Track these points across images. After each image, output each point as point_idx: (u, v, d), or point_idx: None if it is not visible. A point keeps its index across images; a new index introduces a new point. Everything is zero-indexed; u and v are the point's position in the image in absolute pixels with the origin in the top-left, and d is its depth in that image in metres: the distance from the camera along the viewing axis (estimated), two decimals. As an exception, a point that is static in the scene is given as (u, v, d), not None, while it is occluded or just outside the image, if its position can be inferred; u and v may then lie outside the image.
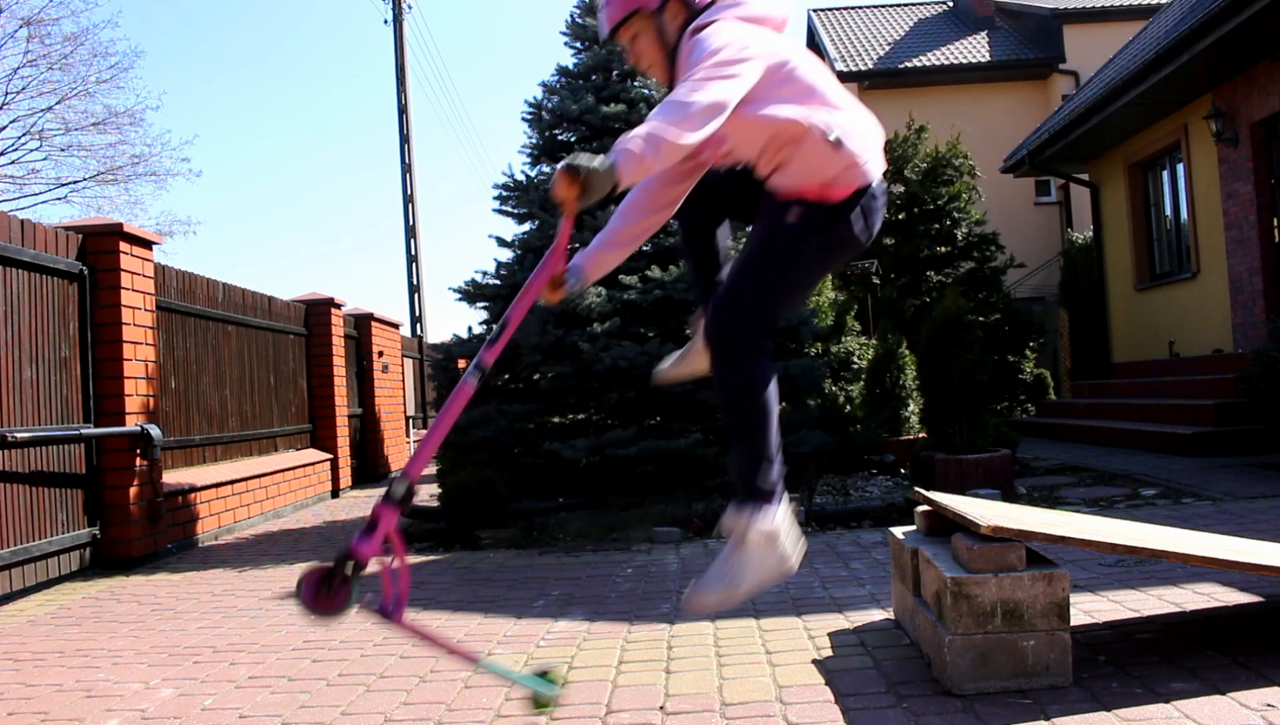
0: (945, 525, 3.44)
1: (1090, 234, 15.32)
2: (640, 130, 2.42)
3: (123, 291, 6.48)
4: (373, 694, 3.31)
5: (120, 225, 6.58)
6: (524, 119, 8.76)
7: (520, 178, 8.66)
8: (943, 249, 14.93)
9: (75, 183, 24.72)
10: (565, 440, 7.50)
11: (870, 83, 19.52)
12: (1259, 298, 10.43)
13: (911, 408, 9.56)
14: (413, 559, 6.17)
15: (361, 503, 9.94)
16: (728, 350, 2.72)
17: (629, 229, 3.02)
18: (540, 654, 3.67)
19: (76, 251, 6.28)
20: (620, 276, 7.72)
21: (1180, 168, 12.35)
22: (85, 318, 6.30)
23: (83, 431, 6.03)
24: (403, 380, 14.49)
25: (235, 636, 4.29)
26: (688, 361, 3.09)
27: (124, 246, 6.55)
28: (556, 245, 2.72)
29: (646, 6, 2.82)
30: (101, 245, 6.46)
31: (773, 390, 2.73)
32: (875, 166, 2.79)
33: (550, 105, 8.65)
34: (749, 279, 2.77)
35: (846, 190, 2.74)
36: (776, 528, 2.68)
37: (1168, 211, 13.03)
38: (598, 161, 2.37)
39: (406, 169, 19.97)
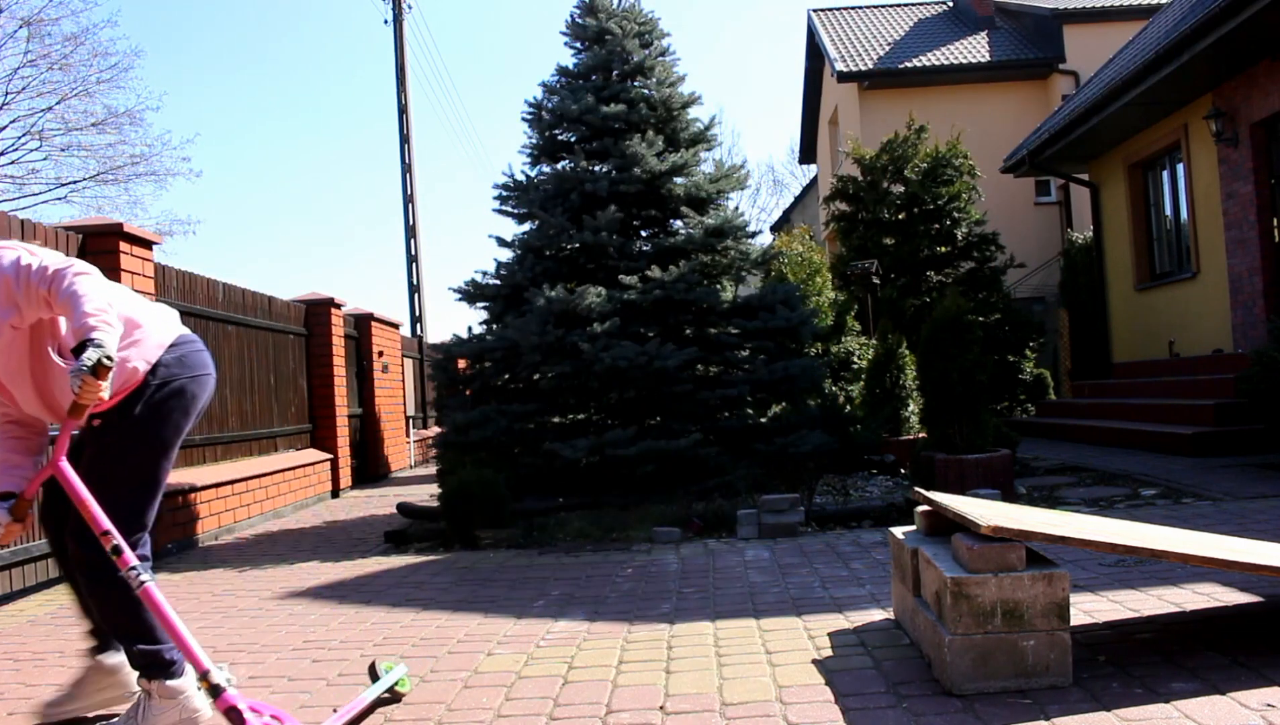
0: (945, 525, 3.44)
1: (1090, 234, 15.32)
2: (94, 317, 2.63)
3: (123, 291, 6.47)
4: (373, 694, 3.30)
5: (120, 225, 6.58)
6: (524, 119, 8.78)
7: (520, 178, 8.67)
8: (943, 249, 14.93)
9: (75, 183, 24.74)
10: (565, 440, 7.49)
11: (870, 83, 19.51)
12: (1259, 298, 10.43)
13: (912, 408, 9.56)
14: (413, 559, 6.17)
15: (362, 503, 9.94)
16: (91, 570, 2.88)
17: (20, 427, 3.06)
18: (540, 654, 3.67)
19: (76, 251, 6.28)
20: (620, 277, 7.73)
21: (1180, 168, 12.34)
22: (85, 318, 6.30)
23: (83, 431, 6.02)
24: (403, 380, 14.49)
25: (235, 636, 4.29)
26: (88, 691, 3.16)
27: (124, 246, 6.55)
28: (55, 458, 2.79)
29: None
30: (101, 245, 6.46)
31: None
32: (155, 348, 3.05)
33: (550, 105, 8.66)
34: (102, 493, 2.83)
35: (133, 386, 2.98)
36: (181, 688, 2.92)
37: (1168, 211, 13.03)
38: (102, 355, 2.57)
39: (406, 169, 19.96)
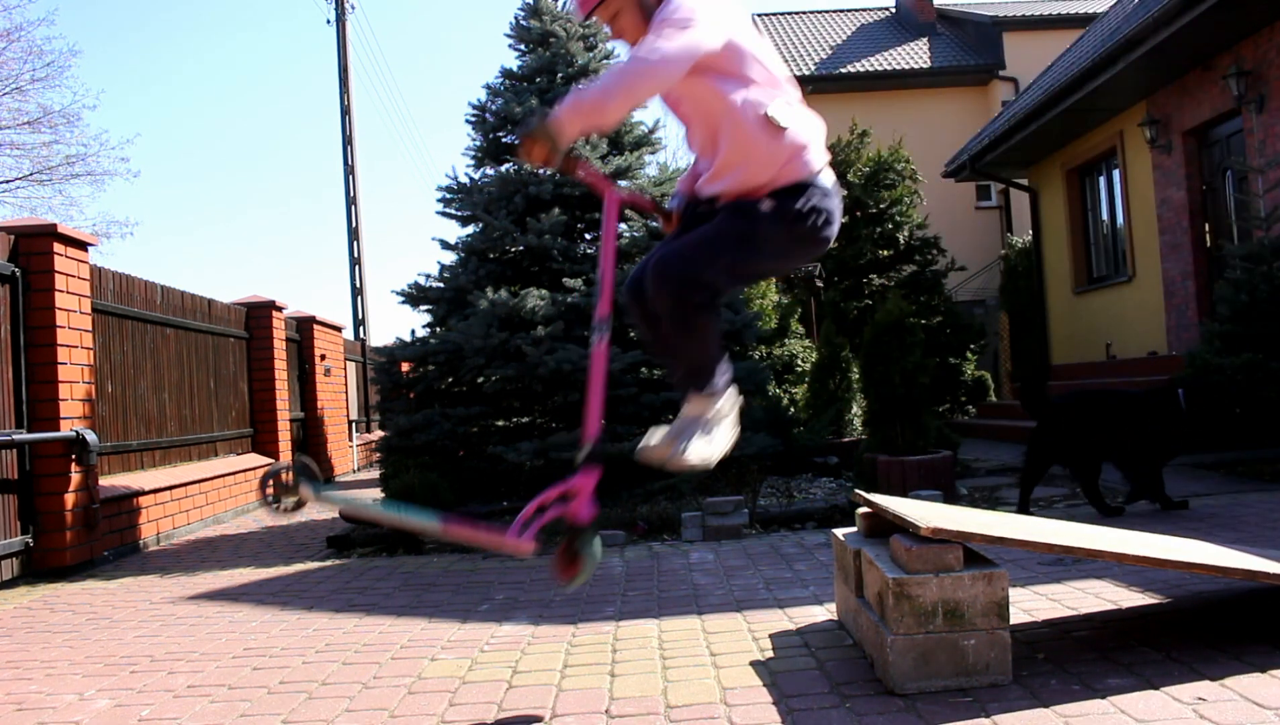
0: (886, 527, 3.47)
1: (1030, 238, 15.57)
2: (599, 79, 2.75)
3: (57, 294, 6.35)
4: (314, 701, 3.27)
5: (54, 226, 6.45)
6: (468, 121, 8.74)
7: (464, 180, 8.62)
8: (885, 252, 15.08)
9: (7, 182, 24.19)
10: (509, 443, 7.47)
11: (813, 87, 19.64)
12: (1191, 301, 10.66)
13: (855, 410, 9.64)
14: (356, 564, 6.11)
15: (305, 508, 9.80)
16: (670, 305, 3.15)
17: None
18: (485, 658, 3.65)
19: (8, 253, 6.14)
20: (565, 279, 7.72)
21: (1116, 173, 12.59)
22: (17, 320, 6.17)
23: (14, 437, 5.89)
24: (345, 384, 14.35)
25: (173, 645, 4.22)
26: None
27: (58, 248, 6.42)
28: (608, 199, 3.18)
29: None
30: (35, 246, 6.32)
31: (713, 328, 3.20)
32: (819, 160, 3.08)
33: (494, 107, 8.63)
34: (698, 251, 3.05)
35: (791, 179, 3.01)
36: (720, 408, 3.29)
37: (1105, 216, 13.28)
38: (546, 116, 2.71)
39: (349, 171, 19.79)
